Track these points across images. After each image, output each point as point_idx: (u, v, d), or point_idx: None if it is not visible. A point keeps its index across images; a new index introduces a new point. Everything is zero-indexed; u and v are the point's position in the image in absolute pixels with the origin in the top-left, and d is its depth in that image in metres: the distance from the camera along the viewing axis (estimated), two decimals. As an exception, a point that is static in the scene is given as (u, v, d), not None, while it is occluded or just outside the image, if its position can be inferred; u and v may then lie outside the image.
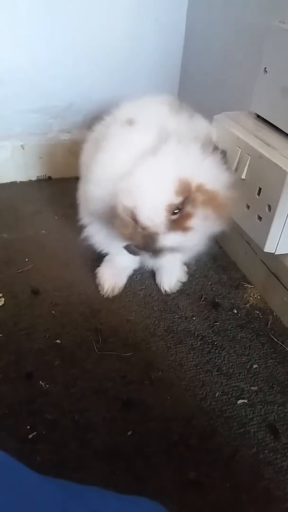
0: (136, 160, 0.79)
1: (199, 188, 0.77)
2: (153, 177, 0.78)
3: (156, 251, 0.81)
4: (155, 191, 0.77)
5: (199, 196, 0.77)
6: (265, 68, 0.91)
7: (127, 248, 0.81)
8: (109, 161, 0.84)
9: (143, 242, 0.78)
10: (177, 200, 0.77)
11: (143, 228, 0.77)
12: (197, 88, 1.48)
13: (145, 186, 0.77)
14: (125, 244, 0.81)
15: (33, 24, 1.34)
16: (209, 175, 0.80)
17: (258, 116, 0.97)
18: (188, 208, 0.77)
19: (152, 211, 0.77)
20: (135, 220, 0.78)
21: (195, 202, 0.77)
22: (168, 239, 0.78)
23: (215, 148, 0.81)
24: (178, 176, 0.77)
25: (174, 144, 0.79)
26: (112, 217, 0.82)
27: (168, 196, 0.76)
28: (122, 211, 0.79)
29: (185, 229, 0.78)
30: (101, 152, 0.86)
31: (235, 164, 0.92)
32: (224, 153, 0.81)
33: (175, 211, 0.77)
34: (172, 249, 0.82)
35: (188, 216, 0.78)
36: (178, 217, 0.77)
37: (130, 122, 0.85)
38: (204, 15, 1.37)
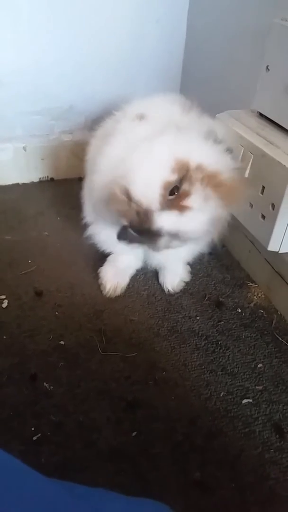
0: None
1: (199, 167, 0.76)
2: (148, 156, 0.77)
3: (152, 234, 0.76)
4: (149, 168, 0.76)
5: (197, 174, 0.75)
6: (268, 66, 0.90)
7: (122, 233, 0.77)
8: (115, 153, 0.83)
9: (137, 220, 0.75)
10: (173, 177, 0.75)
11: (137, 205, 0.75)
12: (199, 87, 1.48)
13: (140, 164, 0.76)
14: (120, 227, 0.78)
15: (35, 27, 1.34)
16: (210, 157, 0.78)
17: (261, 115, 0.97)
18: (185, 186, 0.75)
19: (146, 186, 0.75)
20: (129, 198, 0.76)
21: (192, 180, 0.75)
22: (164, 218, 0.75)
23: (219, 141, 0.79)
24: (174, 155, 0.76)
25: (173, 131, 0.79)
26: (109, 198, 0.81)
27: (163, 173, 0.75)
28: (117, 190, 0.77)
29: (182, 208, 0.75)
30: (108, 145, 0.85)
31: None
32: (230, 150, 0.79)
33: (174, 192, 0.75)
34: (171, 234, 0.77)
35: (185, 194, 0.75)
36: (175, 196, 0.75)
37: (141, 117, 0.84)
38: (205, 15, 1.37)
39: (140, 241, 0.78)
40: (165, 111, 0.86)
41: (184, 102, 0.90)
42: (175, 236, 0.77)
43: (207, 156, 0.78)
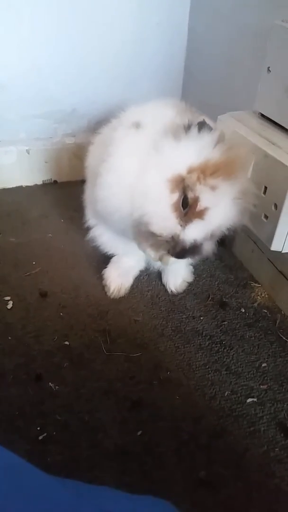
0: (140, 172, 0.81)
1: (190, 171, 0.77)
2: (149, 193, 0.80)
3: (191, 250, 0.81)
4: (155, 203, 0.80)
5: (191, 177, 0.77)
6: (269, 67, 0.91)
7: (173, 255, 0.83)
8: (119, 168, 0.85)
9: (172, 247, 0.81)
10: (175, 196, 0.78)
11: (160, 236, 0.81)
12: (201, 89, 1.49)
13: (147, 204, 0.80)
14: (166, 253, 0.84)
15: (37, 30, 1.35)
16: (191, 153, 0.78)
17: (263, 115, 0.97)
18: (190, 195, 0.77)
19: (161, 221, 0.80)
20: (155, 234, 0.82)
21: (191, 185, 0.77)
22: (191, 232, 0.79)
23: (188, 127, 0.78)
24: (165, 178, 0.78)
25: (152, 152, 0.80)
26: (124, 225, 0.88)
27: (166, 200, 0.78)
28: (142, 229, 0.83)
29: (199, 213, 0.78)
30: (110, 157, 0.86)
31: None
32: (201, 124, 0.78)
33: (187, 204, 0.78)
34: (207, 237, 0.82)
35: (194, 200, 0.78)
36: (189, 207, 0.78)
37: (137, 125, 0.85)
38: (206, 17, 1.38)
39: (187, 257, 0.84)
40: (160, 116, 0.87)
41: (179, 105, 0.91)
42: (212, 236, 0.82)
43: (187, 155, 0.78)
